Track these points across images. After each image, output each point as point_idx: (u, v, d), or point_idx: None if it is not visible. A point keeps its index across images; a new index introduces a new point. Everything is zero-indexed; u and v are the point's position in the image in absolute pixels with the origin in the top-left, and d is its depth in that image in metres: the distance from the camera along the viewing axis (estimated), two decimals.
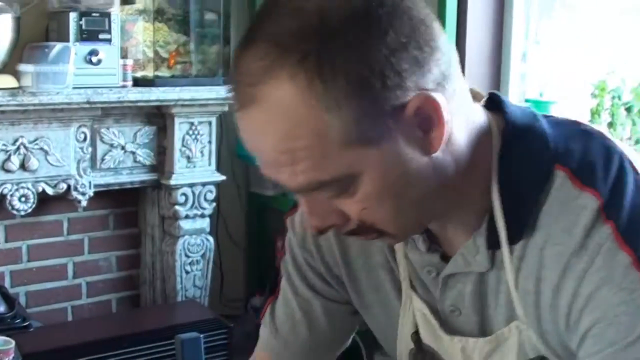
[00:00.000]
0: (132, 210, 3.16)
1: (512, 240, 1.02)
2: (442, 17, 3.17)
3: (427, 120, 0.93)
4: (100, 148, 2.83)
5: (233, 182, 3.42)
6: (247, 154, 3.20)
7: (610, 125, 3.02)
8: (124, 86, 2.76)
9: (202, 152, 2.99)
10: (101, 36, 2.70)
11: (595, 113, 3.05)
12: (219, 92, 2.91)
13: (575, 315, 0.98)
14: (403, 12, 0.92)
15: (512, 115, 1.05)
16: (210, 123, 3.01)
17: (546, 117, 1.08)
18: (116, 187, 2.93)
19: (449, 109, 0.94)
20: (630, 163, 1.01)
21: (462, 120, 1.00)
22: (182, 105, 2.88)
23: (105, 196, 2.98)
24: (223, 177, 3.09)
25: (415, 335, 1.19)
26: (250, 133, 0.95)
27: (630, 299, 0.94)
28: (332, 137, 0.90)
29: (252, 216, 3.57)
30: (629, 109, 3.02)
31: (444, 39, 0.96)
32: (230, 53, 3.17)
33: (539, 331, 1.04)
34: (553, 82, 3.15)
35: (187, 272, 3.06)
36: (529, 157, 1.03)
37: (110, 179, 2.89)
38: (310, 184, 0.93)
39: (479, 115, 1.05)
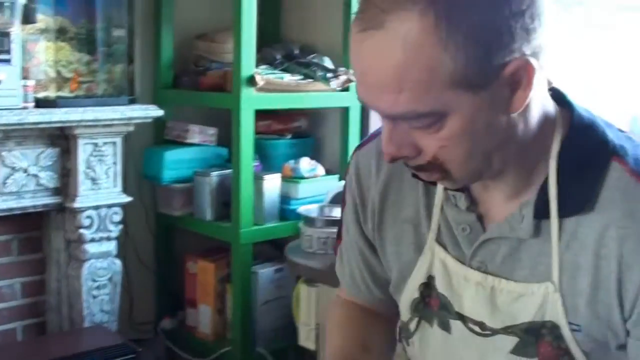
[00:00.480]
0: (36, 234, 3.06)
1: (563, 214, 1.16)
2: None
3: (517, 82, 1.06)
4: (2, 171, 2.74)
5: (140, 203, 3.36)
6: (153, 175, 3.14)
7: None
8: (25, 107, 2.68)
9: (107, 173, 2.94)
10: (1, 56, 2.62)
11: None
12: (123, 112, 2.86)
13: None
14: None
15: (579, 109, 1.21)
16: (115, 144, 2.95)
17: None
18: (19, 212, 2.85)
19: (536, 79, 1.08)
20: None
21: (539, 95, 1.13)
22: (86, 126, 2.82)
23: (7, 221, 2.89)
24: (129, 199, 3.04)
25: (423, 286, 1.32)
26: (367, 55, 1.04)
27: None
28: (442, 75, 1.01)
29: (161, 237, 3.51)
30: None
31: (549, 17, 1.08)
32: (135, 72, 3.12)
33: (568, 299, 1.16)
34: None
35: (94, 297, 3.00)
36: (591, 146, 1.17)
37: (12, 203, 2.80)
38: (407, 112, 1.05)
39: (548, 99, 1.19)
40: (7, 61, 2.63)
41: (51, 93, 2.88)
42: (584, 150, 1.17)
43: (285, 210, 3.20)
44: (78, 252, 2.95)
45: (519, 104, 1.08)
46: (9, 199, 2.79)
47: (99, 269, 2.99)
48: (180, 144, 3.32)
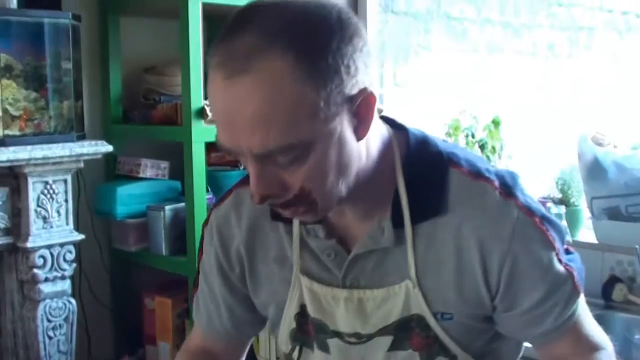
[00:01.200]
0: None
1: (416, 220, 1.33)
2: None
3: (363, 112, 1.20)
4: None
5: (94, 240, 3.32)
6: (106, 210, 3.08)
7: None
8: None
9: (58, 211, 2.89)
10: None
11: None
12: (72, 149, 2.83)
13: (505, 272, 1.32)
14: (359, 28, 1.21)
15: (411, 129, 1.39)
16: (65, 181, 2.91)
17: None
18: None
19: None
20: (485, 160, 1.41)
21: (375, 120, 1.28)
22: (35, 165, 2.78)
23: None
24: (82, 236, 2.99)
25: (298, 315, 1.45)
26: (236, 99, 1.13)
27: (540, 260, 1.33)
28: (305, 107, 1.13)
29: (116, 274, 3.47)
30: (482, 146, 3.12)
31: (374, 56, 1.25)
32: (83, 108, 3.09)
33: (435, 293, 1.34)
34: (411, 121, 3.21)
35: (50, 338, 2.94)
36: (429, 158, 1.35)
37: None
38: (278, 147, 1.14)
39: (381, 124, 1.36)
40: None
41: None
42: (423, 162, 1.35)
43: None
44: (32, 293, 2.90)
45: (364, 131, 1.23)
46: None
47: (54, 309, 2.93)
48: (132, 178, 3.29)
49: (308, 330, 1.45)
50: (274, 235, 1.46)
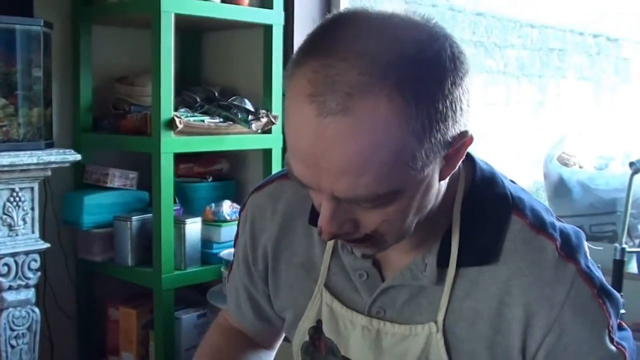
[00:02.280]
0: None
1: (464, 264, 1.20)
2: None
3: (457, 154, 1.09)
4: None
5: (59, 249, 3.30)
6: (73, 220, 3.07)
7: None
8: None
9: (24, 219, 2.87)
10: None
11: None
12: (40, 156, 2.81)
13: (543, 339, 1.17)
14: (469, 63, 1.07)
15: (480, 163, 1.25)
16: (32, 189, 2.89)
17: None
18: None
19: None
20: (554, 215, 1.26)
21: None
22: (2, 172, 2.76)
23: None
24: (47, 245, 2.96)
25: (312, 330, 1.34)
26: (326, 141, 0.98)
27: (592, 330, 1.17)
28: (405, 156, 1.00)
29: (81, 284, 3.44)
30: None
31: None
32: (52, 115, 3.07)
33: (466, 344, 1.21)
34: None
35: (12, 347, 2.91)
36: (493, 200, 1.22)
37: None
38: (366, 195, 1.02)
39: None
40: None
41: None
42: (485, 203, 1.22)
43: (207, 254, 3.17)
44: None
45: (449, 172, 1.12)
46: None
47: (18, 318, 2.90)
48: (100, 188, 3.28)
49: (320, 347, 1.35)
50: (306, 240, 1.35)
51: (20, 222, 2.86)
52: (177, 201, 3.10)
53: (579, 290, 1.17)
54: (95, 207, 3.20)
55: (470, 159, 1.25)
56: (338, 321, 1.31)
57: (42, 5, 3.21)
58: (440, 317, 1.21)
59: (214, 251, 3.14)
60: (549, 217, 1.24)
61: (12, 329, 2.89)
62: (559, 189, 2.65)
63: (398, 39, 1.00)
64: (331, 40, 1.01)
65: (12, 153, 2.76)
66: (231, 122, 3.18)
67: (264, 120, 3.20)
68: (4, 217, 2.82)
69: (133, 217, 3.13)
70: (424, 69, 1.00)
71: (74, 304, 3.47)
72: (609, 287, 1.22)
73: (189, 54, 3.64)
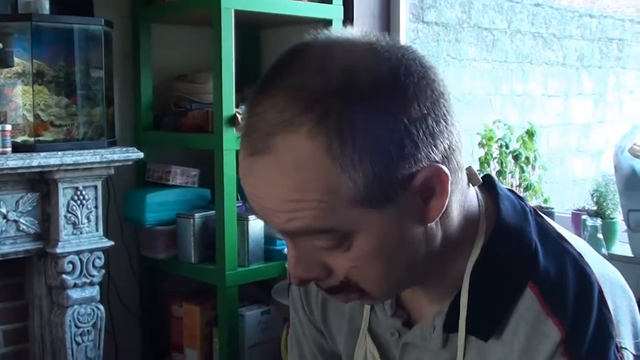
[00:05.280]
0: (18, 281, 3.00)
1: (471, 332, 1.07)
2: None
3: (430, 191, 0.97)
4: None
5: (123, 247, 3.32)
6: (136, 217, 3.07)
7: (500, 173, 3.06)
8: (3, 152, 2.64)
9: (88, 217, 2.89)
10: None
11: (484, 162, 3.09)
12: (103, 155, 2.83)
13: None
14: (427, 85, 0.95)
15: (505, 212, 1.10)
16: (95, 187, 2.91)
17: (535, 215, 1.12)
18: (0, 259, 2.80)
19: (451, 183, 0.98)
20: (600, 293, 1.03)
21: (458, 197, 1.04)
22: (66, 170, 2.78)
23: None
24: (111, 243, 2.98)
25: None
26: (258, 179, 0.96)
27: None
28: (341, 195, 0.92)
29: (144, 281, 3.46)
30: (516, 157, 3.08)
31: (456, 112, 1.00)
32: (114, 114, 3.09)
33: None
34: None
35: (78, 344, 2.93)
36: (511, 260, 1.06)
37: None
38: (308, 228, 0.95)
39: (472, 198, 1.09)
40: None
41: (29, 137, 2.84)
42: (502, 265, 1.07)
43: (270, 250, 3.16)
44: (60, 298, 2.90)
45: (435, 213, 0.99)
46: None
47: (83, 315, 2.93)
48: (162, 185, 3.29)
49: None
50: None
51: (85, 220, 2.88)
52: (239, 198, 3.09)
53: None
54: (157, 205, 3.21)
55: (495, 198, 1.12)
56: None
57: (101, 5, 3.23)
58: None
59: (277, 247, 3.12)
60: (585, 297, 1.04)
61: (77, 326, 2.92)
62: (631, 181, 2.58)
63: (328, 70, 0.93)
64: (272, 75, 0.97)
65: (75, 152, 2.78)
66: None
67: None
68: (68, 215, 2.84)
69: (196, 215, 3.13)
70: (356, 96, 0.91)
71: (137, 301, 3.50)
72: None
73: (247, 51, 3.63)
